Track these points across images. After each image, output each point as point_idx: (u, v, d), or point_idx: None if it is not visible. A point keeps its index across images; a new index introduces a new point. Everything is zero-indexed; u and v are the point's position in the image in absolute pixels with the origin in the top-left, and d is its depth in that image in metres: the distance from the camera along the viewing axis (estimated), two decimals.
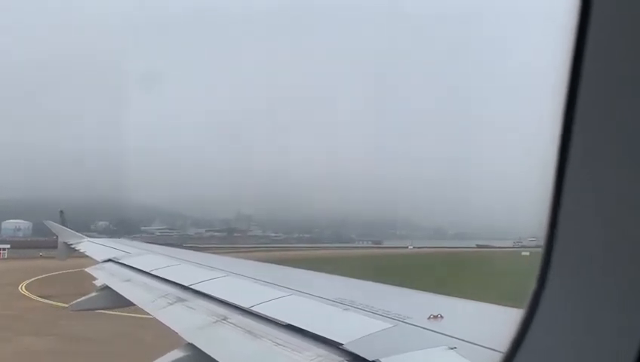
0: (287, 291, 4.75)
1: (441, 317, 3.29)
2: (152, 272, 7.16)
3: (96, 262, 9.70)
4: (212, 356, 3.62)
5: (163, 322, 4.84)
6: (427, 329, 3.13)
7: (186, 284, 5.84)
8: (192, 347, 3.93)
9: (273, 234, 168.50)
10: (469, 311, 3.98)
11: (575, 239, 1.14)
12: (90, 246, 12.99)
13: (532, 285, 1.21)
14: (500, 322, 3.14)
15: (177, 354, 3.95)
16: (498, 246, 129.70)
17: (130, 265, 8.40)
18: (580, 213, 1.13)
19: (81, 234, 15.96)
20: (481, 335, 2.81)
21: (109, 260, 9.41)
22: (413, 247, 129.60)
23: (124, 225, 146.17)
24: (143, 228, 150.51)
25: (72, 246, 14.31)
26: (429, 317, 3.29)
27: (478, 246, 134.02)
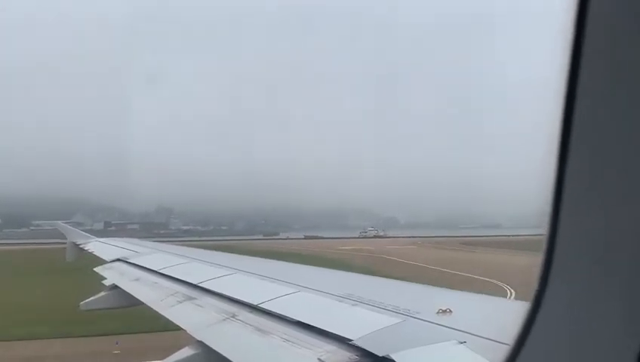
0: (296, 287, 4.76)
1: (450, 311, 3.29)
2: (161, 271, 7.20)
3: (105, 262, 9.77)
4: (222, 353, 3.64)
5: (172, 320, 4.87)
6: (436, 324, 3.13)
7: (194, 282, 5.87)
8: (202, 345, 3.95)
9: (184, 227, 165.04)
10: (478, 305, 3.97)
11: (577, 238, 1.15)
12: (99, 246, 13.07)
13: None
14: (509, 315, 3.14)
15: (188, 351, 3.98)
16: (326, 236, 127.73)
17: (139, 264, 8.45)
18: (581, 212, 1.14)
19: (88, 235, 16.05)
20: (489, 329, 2.81)
21: (118, 260, 9.48)
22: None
23: (13, 219, 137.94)
24: (34, 221, 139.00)
25: (81, 246, 14.41)
26: (438, 312, 3.29)
27: (305, 237, 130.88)
